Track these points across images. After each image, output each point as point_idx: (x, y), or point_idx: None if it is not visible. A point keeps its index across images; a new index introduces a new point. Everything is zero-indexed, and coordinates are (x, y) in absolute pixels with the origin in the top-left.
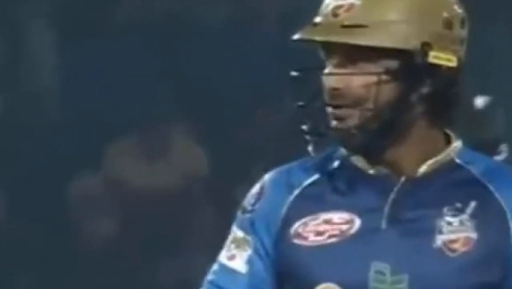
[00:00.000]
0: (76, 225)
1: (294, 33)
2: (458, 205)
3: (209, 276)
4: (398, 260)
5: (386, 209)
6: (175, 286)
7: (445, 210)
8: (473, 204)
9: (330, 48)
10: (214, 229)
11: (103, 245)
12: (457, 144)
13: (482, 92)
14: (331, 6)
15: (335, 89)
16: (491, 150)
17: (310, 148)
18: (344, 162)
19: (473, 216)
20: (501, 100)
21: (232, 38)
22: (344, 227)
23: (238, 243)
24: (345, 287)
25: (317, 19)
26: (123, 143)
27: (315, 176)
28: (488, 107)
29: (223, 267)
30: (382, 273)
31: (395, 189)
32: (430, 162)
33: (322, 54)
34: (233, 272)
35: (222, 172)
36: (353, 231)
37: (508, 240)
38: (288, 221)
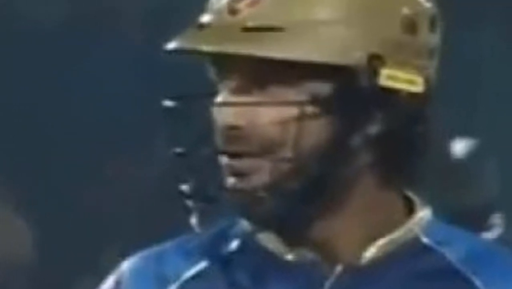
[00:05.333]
0: None
1: (167, 40)
2: None
3: None
4: None
5: None
6: None
7: None
8: None
9: (226, 63)
10: None
11: None
12: (424, 214)
13: (464, 133)
14: None
15: (233, 127)
16: (478, 222)
17: (193, 220)
18: (247, 242)
19: None
20: (493, 144)
21: (71, 48)
22: None
23: None
24: None
25: (205, 18)
26: None
27: (202, 264)
28: (473, 156)
29: None
30: None
31: (327, 284)
32: (381, 241)
33: (213, 72)
34: None
35: (55, 256)
36: None
37: None
38: None
